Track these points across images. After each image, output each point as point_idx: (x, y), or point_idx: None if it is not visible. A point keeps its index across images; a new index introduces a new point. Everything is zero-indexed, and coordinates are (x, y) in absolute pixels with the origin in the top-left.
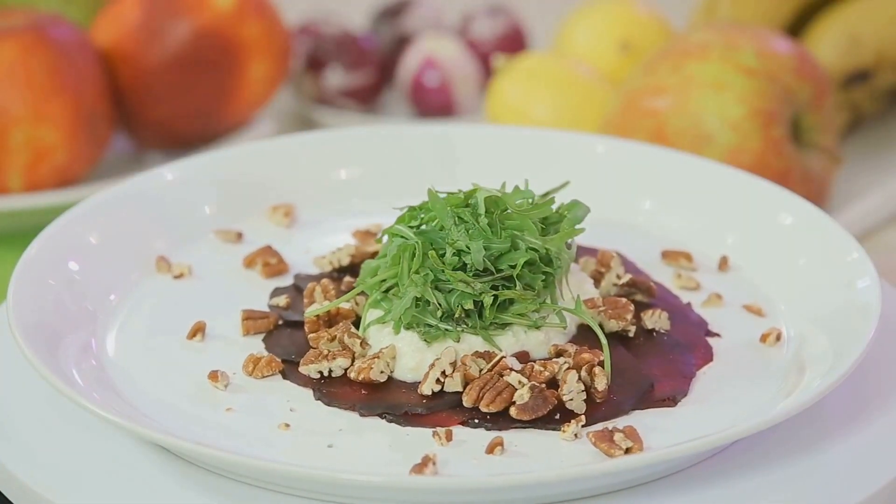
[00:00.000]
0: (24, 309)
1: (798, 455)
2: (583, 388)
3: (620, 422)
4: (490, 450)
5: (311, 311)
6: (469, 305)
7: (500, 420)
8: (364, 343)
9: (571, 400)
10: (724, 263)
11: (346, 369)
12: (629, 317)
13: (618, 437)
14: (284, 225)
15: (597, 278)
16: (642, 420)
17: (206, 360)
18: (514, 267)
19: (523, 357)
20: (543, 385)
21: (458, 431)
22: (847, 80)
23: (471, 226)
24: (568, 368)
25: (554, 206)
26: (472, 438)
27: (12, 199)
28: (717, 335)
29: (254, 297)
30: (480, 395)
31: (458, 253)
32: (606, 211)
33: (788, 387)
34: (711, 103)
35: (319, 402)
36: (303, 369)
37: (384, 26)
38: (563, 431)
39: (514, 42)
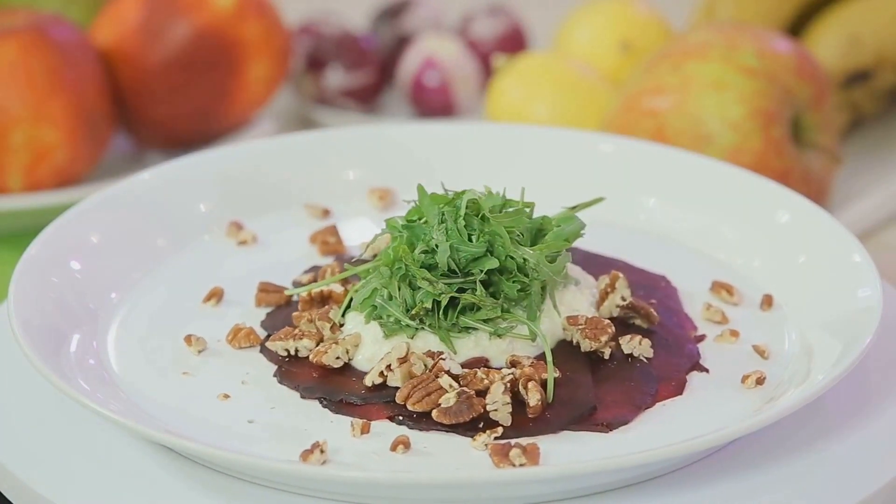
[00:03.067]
0: (25, 308)
1: (799, 453)
2: (508, 400)
3: (542, 440)
4: (393, 447)
5: (290, 291)
6: (428, 304)
7: (424, 420)
8: (335, 327)
9: (496, 411)
10: (766, 303)
11: (311, 351)
12: (604, 338)
13: (514, 452)
14: (378, 208)
15: (603, 298)
16: (569, 440)
17: (202, 324)
18: (482, 272)
19: (478, 363)
20: (473, 392)
21: (381, 426)
22: (847, 80)
23: (450, 226)
24: (509, 380)
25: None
26: (390, 433)
27: (12, 199)
28: (706, 370)
29: (295, 272)
30: (410, 393)
31: (432, 251)
32: (608, 208)
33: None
34: (711, 103)
35: (275, 378)
36: (269, 345)
37: (384, 26)
38: (474, 440)
39: (514, 42)
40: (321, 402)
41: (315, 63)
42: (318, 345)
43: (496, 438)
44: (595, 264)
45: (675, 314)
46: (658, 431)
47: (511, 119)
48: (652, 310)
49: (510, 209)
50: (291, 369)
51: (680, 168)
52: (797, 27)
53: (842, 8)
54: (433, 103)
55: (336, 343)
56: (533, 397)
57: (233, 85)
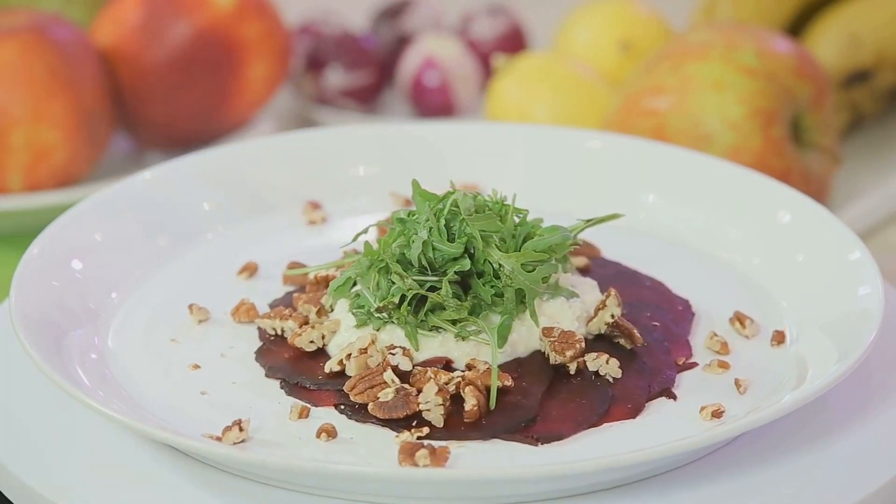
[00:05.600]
0: (27, 307)
1: (800, 452)
2: (441, 401)
3: (470, 445)
4: (318, 434)
5: (289, 272)
6: (396, 298)
7: (361, 412)
8: (322, 312)
9: (429, 410)
10: (776, 339)
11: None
12: (569, 353)
13: (421, 452)
14: None
15: (595, 314)
16: (497, 448)
17: (218, 296)
18: (459, 273)
19: (439, 362)
20: (416, 391)
21: (324, 412)
22: (847, 80)
23: (433, 225)
24: (455, 383)
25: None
26: (326, 420)
27: (12, 199)
28: (674, 398)
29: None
30: (356, 384)
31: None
32: (609, 207)
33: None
34: (711, 103)
35: (254, 355)
36: (259, 322)
37: (384, 26)
38: (398, 436)
39: (514, 42)
40: (280, 384)
41: (315, 63)
42: (301, 327)
43: (420, 438)
44: (626, 280)
45: (673, 339)
46: (590, 449)
47: (511, 119)
48: (636, 331)
49: (498, 213)
50: (272, 348)
51: (680, 166)
52: (797, 27)
53: (842, 8)
54: (433, 103)
55: (313, 327)
56: (469, 402)
57: (233, 85)
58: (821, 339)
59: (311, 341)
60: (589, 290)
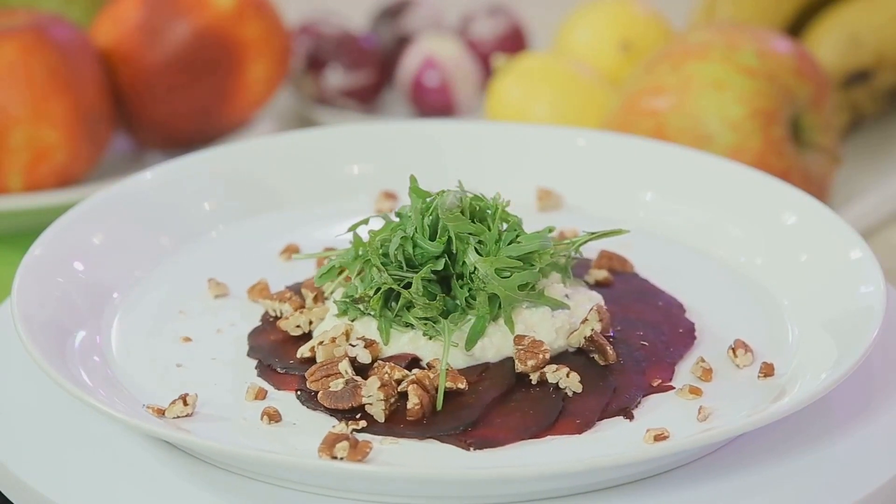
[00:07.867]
0: (29, 307)
1: (801, 451)
2: (383, 396)
3: (404, 442)
4: (261, 416)
5: (297, 256)
6: (370, 291)
7: (314, 399)
8: (320, 298)
9: (371, 405)
10: (763, 371)
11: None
12: (531, 363)
13: (341, 445)
14: (537, 208)
15: (579, 326)
16: (429, 449)
17: (243, 273)
18: (440, 273)
19: (403, 358)
20: (365, 384)
21: (283, 396)
22: (847, 80)
23: (418, 222)
24: (409, 380)
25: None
26: (278, 404)
27: (12, 199)
28: (630, 418)
29: None
30: (315, 371)
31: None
32: (610, 206)
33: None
34: (711, 103)
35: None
36: (261, 302)
37: (384, 26)
38: (334, 427)
39: (514, 42)
40: (256, 364)
41: (315, 63)
42: (295, 311)
43: (357, 431)
44: (639, 298)
45: (656, 361)
46: (520, 458)
47: (511, 119)
48: (609, 348)
49: (491, 217)
50: (266, 329)
51: (682, 165)
52: (797, 27)
53: (842, 8)
54: (433, 103)
55: (301, 313)
56: (412, 400)
57: (233, 85)
58: (823, 338)
59: (298, 326)
60: (586, 304)
